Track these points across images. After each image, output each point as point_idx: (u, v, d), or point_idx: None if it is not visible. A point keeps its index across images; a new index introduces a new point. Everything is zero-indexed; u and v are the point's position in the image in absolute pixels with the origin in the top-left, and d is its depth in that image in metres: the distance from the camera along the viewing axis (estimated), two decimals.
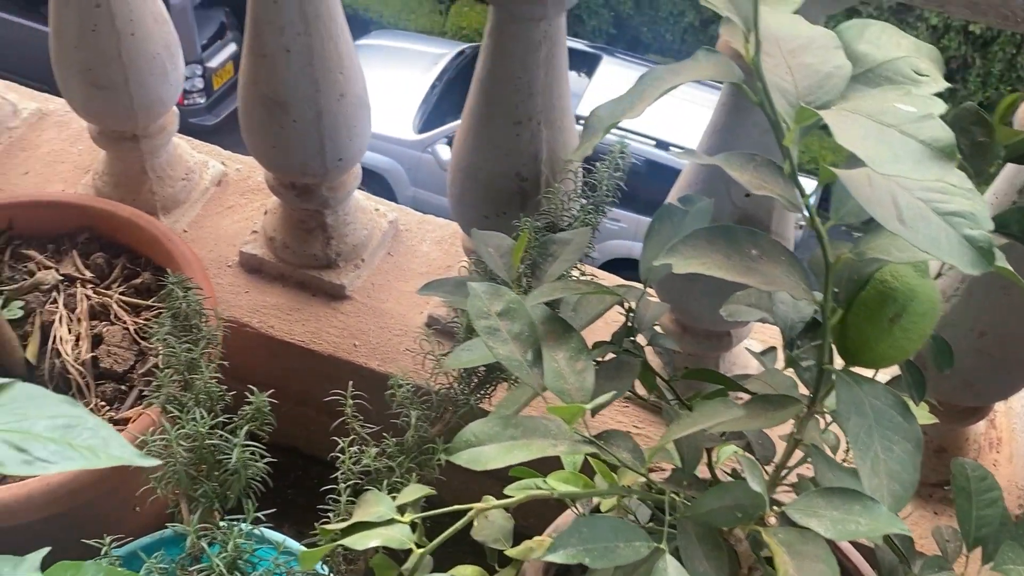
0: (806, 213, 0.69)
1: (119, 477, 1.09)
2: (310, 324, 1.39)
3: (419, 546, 0.80)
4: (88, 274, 1.26)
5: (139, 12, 1.28)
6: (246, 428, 0.92)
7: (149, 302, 1.24)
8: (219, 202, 1.51)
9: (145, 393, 1.17)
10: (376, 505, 0.81)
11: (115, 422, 1.13)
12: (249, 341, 1.37)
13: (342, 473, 0.95)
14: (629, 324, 0.86)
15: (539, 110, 1.13)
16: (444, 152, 6.86)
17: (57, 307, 1.22)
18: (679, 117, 5.88)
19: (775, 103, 0.66)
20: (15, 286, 1.24)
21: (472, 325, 1.05)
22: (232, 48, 7.08)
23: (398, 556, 0.87)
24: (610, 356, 0.86)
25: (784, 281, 0.69)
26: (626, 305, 0.87)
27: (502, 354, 0.76)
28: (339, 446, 0.95)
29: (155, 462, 0.60)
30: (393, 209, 1.51)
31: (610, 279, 1.24)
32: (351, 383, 1.00)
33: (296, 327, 1.38)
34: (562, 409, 0.70)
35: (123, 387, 1.18)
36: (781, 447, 0.91)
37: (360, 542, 0.78)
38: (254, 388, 0.96)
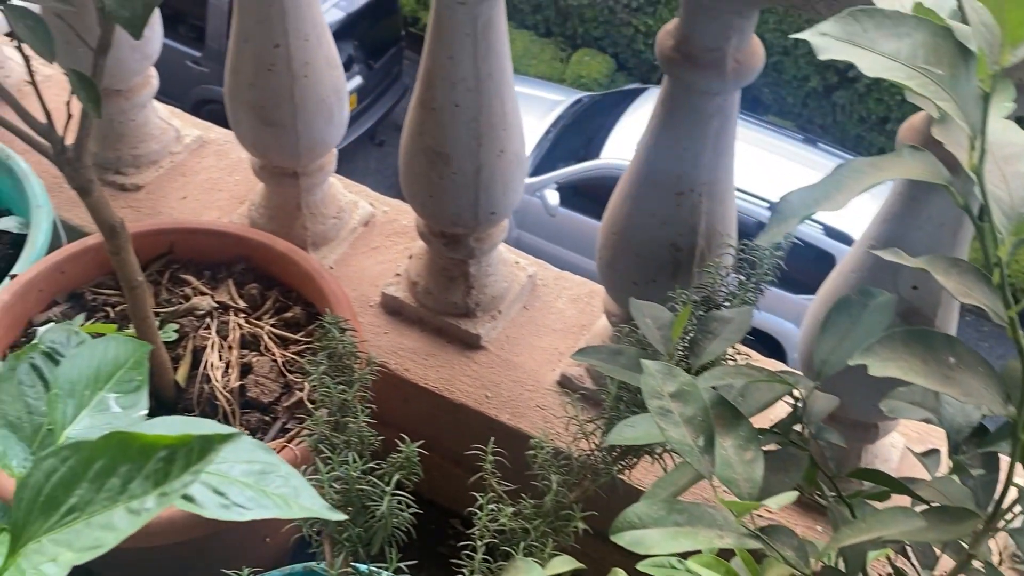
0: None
1: None
2: (444, 371, 1.40)
3: None
4: (241, 303, 1.30)
5: (314, 55, 1.32)
6: (396, 477, 0.93)
7: (298, 336, 1.27)
8: (365, 242, 1.54)
9: (288, 426, 1.19)
10: (527, 574, 0.80)
11: None
12: (384, 382, 1.38)
13: (478, 530, 0.95)
14: (797, 415, 0.84)
15: (703, 182, 1.13)
16: (552, 197, 6.89)
17: (210, 333, 1.25)
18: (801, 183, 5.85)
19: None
20: (171, 309, 1.28)
21: (613, 394, 1.05)
22: (357, 81, 7.27)
23: None
24: (773, 446, 0.85)
25: (983, 394, 0.67)
26: (795, 394, 0.85)
27: (674, 437, 0.75)
28: (476, 501, 0.95)
29: (342, 516, 0.61)
30: (532, 263, 1.51)
31: (768, 363, 1.22)
32: (492, 439, 1.01)
33: (430, 372, 1.39)
34: (738, 504, 0.69)
35: (267, 418, 1.20)
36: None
37: None
38: (405, 436, 0.97)
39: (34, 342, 0.74)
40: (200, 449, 0.50)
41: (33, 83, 0.99)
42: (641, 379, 0.77)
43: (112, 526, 0.50)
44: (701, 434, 0.75)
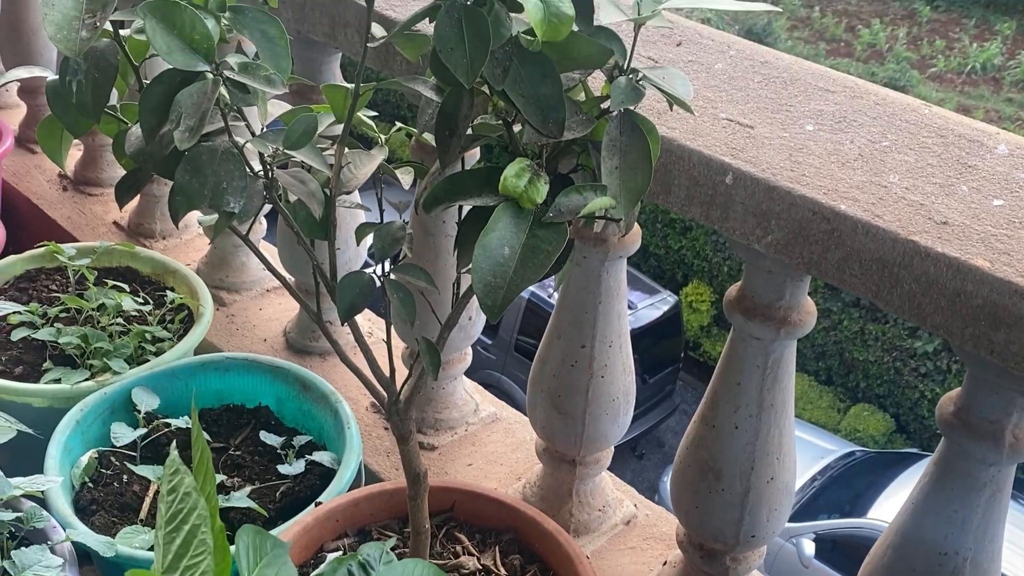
0: None
1: None
2: None
3: None
4: (503, 571, 1.39)
5: (613, 360, 1.48)
6: None
7: None
8: (623, 540, 1.62)
9: None
10: None
11: None
12: None
13: None
14: None
15: (967, 547, 1.14)
16: (808, 547, 6.61)
17: None
18: None
19: None
20: (442, 562, 1.40)
21: None
22: None
23: None
24: None
25: None
26: None
27: None
28: None
29: None
30: None
31: None
32: None
33: None
34: None
35: None
36: None
37: None
38: None
39: (353, 553, 0.88)
40: None
41: (388, 343, 1.20)
42: None
43: None
44: None
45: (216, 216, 1.06)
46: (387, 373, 1.20)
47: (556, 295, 1.48)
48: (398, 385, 1.20)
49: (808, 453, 7.25)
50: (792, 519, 6.53)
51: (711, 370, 1.37)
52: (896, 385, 9.00)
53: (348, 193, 1.11)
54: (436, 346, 1.13)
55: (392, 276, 1.13)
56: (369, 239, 1.16)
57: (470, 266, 0.93)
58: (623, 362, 1.50)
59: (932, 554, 1.16)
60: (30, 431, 1.36)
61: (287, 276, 1.92)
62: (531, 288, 7.77)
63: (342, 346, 1.20)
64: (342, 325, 1.11)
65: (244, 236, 1.17)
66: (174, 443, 0.76)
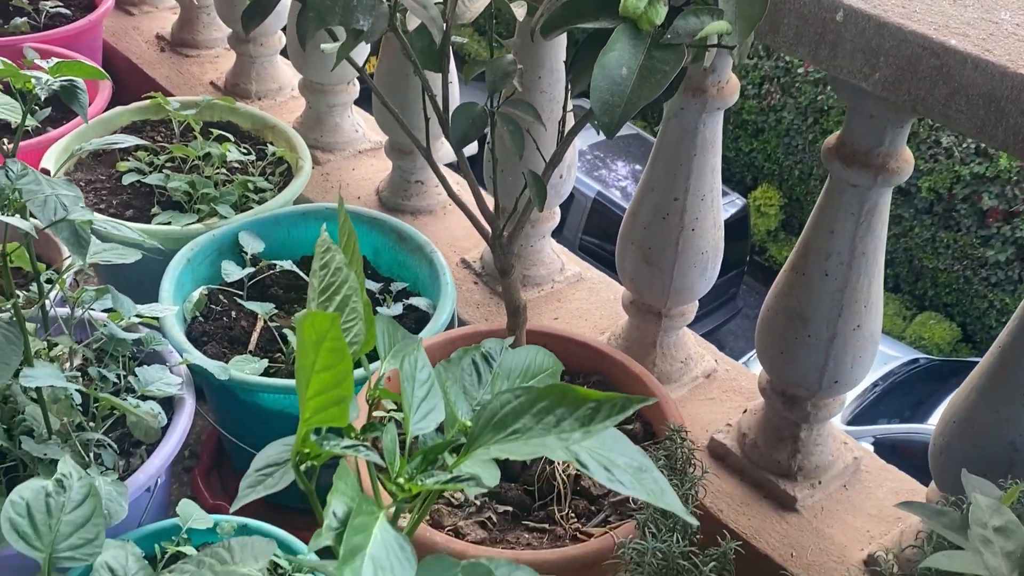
0: None
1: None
2: (755, 521, 1.47)
3: None
4: None
5: (704, 213, 1.51)
6: (711, 564, 1.03)
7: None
8: (703, 392, 1.68)
9: (610, 519, 1.32)
10: None
11: (581, 533, 1.29)
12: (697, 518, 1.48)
13: None
14: None
15: None
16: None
17: None
18: None
19: None
20: None
21: (932, 535, 1.09)
22: None
23: None
24: None
25: None
26: None
27: (992, 565, 0.81)
28: None
29: (695, 522, 0.73)
30: (860, 449, 1.57)
31: None
32: None
33: (742, 519, 1.48)
34: None
35: (592, 508, 1.34)
36: None
37: None
38: (726, 532, 1.07)
39: (476, 345, 0.95)
40: (622, 405, 0.65)
41: (494, 180, 1.25)
42: (970, 510, 0.84)
43: (544, 446, 0.66)
44: (1016, 569, 0.80)
45: (337, 45, 1.11)
46: (491, 208, 1.25)
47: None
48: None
49: None
50: (852, 423, 6.55)
51: (775, 275, 1.41)
52: (965, 294, 8.89)
53: (463, 25, 1.14)
54: (541, 178, 1.18)
55: (501, 110, 1.18)
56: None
57: (578, 95, 0.96)
58: (714, 216, 1.54)
59: (1017, 395, 1.20)
60: (160, 247, 1.45)
61: (384, 131, 1.97)
62: (597, 187, 7.76)
63: (446, 192, 1.26)
64: (455, 152, 1.16)
65: (360, 68, 1.22)
66: (324, 224, 0.81)
